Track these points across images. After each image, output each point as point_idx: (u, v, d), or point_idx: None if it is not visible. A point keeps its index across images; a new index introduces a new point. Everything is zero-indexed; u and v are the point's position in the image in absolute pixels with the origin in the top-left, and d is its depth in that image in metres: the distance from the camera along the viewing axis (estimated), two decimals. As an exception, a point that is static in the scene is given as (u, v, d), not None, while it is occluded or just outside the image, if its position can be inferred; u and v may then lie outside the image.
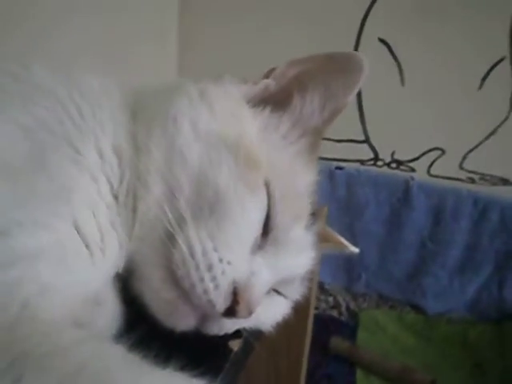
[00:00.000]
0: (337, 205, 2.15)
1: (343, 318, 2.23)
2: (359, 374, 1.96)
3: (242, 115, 0.64)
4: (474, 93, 1.93)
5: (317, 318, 2.21)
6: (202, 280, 0.54)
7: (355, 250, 0.90)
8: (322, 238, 0.76)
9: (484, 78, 1.91)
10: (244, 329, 0.64)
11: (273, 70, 0.69)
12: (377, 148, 2.13)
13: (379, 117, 2.07)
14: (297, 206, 0.64)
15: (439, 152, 2.05)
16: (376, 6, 1.96)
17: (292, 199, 0.63)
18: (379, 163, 2.14)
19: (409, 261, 2.14)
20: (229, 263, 0.56)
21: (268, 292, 0.64)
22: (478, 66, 1.90)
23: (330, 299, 2.25)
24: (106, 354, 0.43)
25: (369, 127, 2.10)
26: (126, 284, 0.58)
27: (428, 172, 2.09)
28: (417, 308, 2.16)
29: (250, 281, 0.57)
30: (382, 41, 1.99)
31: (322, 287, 2.25)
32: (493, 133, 1.95)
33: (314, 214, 0.68)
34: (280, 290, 0.68)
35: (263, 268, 0.59)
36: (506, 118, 1.93)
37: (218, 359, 0.50)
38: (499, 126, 1.94)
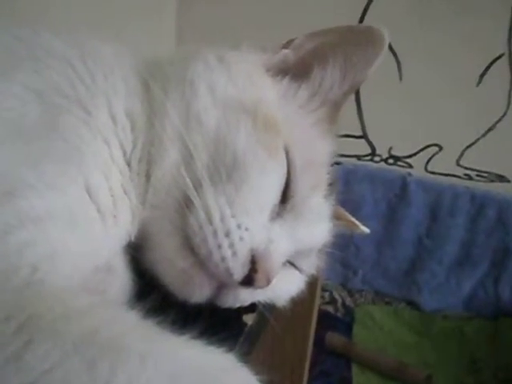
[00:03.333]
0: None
1: (339, 314, 2.23)
2: (355, 370, 1.96)
3: (260, 82, 0.63)
4: (472, 89, 1.93)
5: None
6: (219, 247, 0.52)
7: (366, 230, 0.88)
8: (339, 218, 0.74)
9: (482, 75, 1.91)
10: (259, 302, 0.62)
11: (291, 40, 0.68)
12: (374, 143, 2.13)
13: (377, 112, 2.07)
14: (316, 174, 0.63)
15: (436, 148, 2.05)
16: (375, 1, 1.95)
17: (311, 167, 0.62)
18: (376, 159, 2.14)
19: (405, 257, 2.14)
20: (247, 230, 0.54)
21: (284, 264, 0.62)
22: (477, 63, 1.91)
23: (326, 295, 2.24)
24: (119, 319, 0.42)
25: (366, 122, 2.10)
26: (137, 256, 0.56)
27: (425, 168, 2.09)
28: (413, 304, 2.16)
29: (269, 249, 0.55)
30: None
31: (318, 283, 2.25)
32: (490, 129, 1.96)
33: (332, 185, 0.66)
34: (296, 262, 0.65)
35: (282, 236, 0.57)
36: (504, 115, 1.93)
37: (231, 333, 0.48)
38: (497, 123, 1.95)
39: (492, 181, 2.02)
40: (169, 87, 0.59)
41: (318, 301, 1.14)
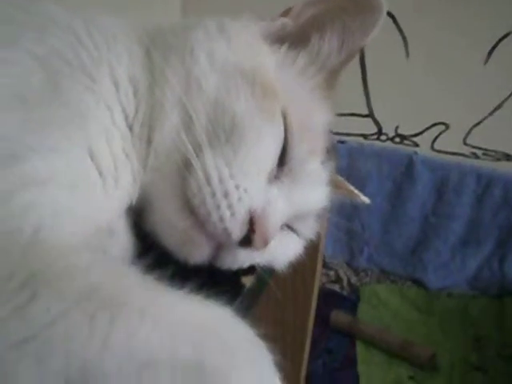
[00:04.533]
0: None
1: (345, 293, 2.24)
2: (360, 347, 1.97)
3: (259, 49, 0.64)
4: (479, 67, 1.91)
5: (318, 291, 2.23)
6: (218, 207, 0.54)
7: (366, 200, 0.90)
8: (334, 185, 0.75)
9: (490, 53, 1.89)
10: (257, 265, 0.64)
11: (290, 9, 0.68)
12: (380, 122, 2.12)
13: (383, 91, 2.06)
14: (313, 139, 0.64)
15: (443, 127, 2.03)
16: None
17: (308, 132, 0.63)
18: (383, 138, 2.13)
19: (411, 235, 2.14)
20: (245, 191, 0.55)
21: (282, 227, 0.63)
22: (484, 40, 1.89)
23: (332, 273, 2.25)
24: (120, 276, 0.44)
25: (373, 101, 2.09)
26: (139, 221, 0.57)
27: (432, 147, 2.08)
28: (418, 283, 2.17)
29: (266, 210, 0.56)
30: (387, 13, 1.95)
31: (323, 261, 2.26)
32: (498, 108, 1.94)
33: (329, 151, 0.67)
34: (294, 226, 0.67)
35: (279, 198, 0.59)
36: (512, 93, 1.91)
37: (229, 293, 0.48)
38: (504, 101, 1.93)
39: (498, 159, 2.01)
40: (170, 55, 0.60)
41: (319, 271, 1.14)
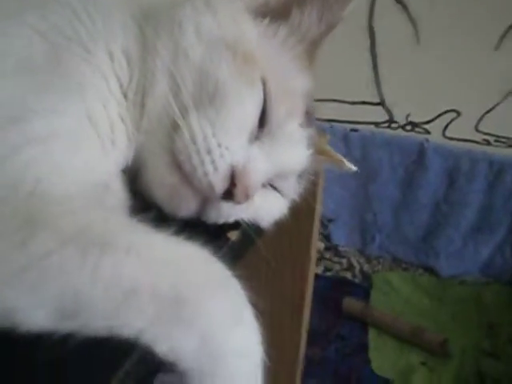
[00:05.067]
0: (351, 167, 2.16)
1: (357, 280, 2.25)
2: (372, 334, 1.99)
3: (242, 21, 0.69)
4: (490, 53, 1.91)
5: (330, 279, 2.25)
6: (202, 163, 0.59)
7: (353, 168, 0.93)
8: (322, 153, 0.85)
9: (501, 38, 1.88)
10: (243, 221, 0.68)
11: None
12: (392, 110, 2.11)
13: (394, 78, 2.06)
14: (291, 103, 0.69)
15: (454, 114, 2.03)
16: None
17: (287, 97, 0.68)
18: (394, 125, 2.13)
19: (423, 223, 2.14)
20: (227, 148, 0.61)
21: (265, 186, 0.69)
22: (496, 26, 1.88)
23: (344, 261, 2.27)
24: (111, 219, 0.51)
25: (384, 89, 2.09)
26: (133, 183, 0.63)
27: (443, 134, 2.08)
28: (430, 270, 2.17)
29: (247, 166, 0.61)
30: (398, 1, 1.96)
31: (335, 249, 2.27)
32: (509, 94, 1.93)
33: (310, 117, 0.72)
34: (276, 185, 0.72)
35: (259, 156, 0.64)
36: (524, 79, 1.90)
37: (214, 244, 0.52)
38: (516, 87, 1.92)
39: (510, 146, 2.00)
40: (160, 29, 0.65)
41: (316, 236, 1.16)
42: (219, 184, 0.59)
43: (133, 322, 0.43)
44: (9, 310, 0.41)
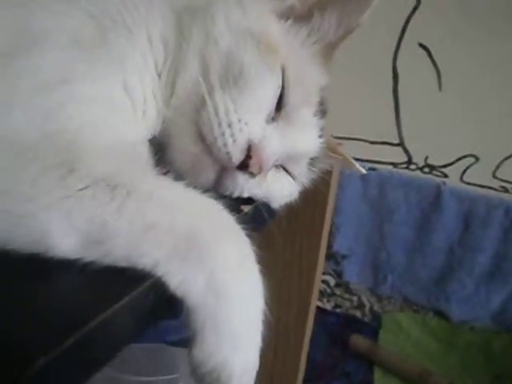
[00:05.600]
0: (368, 205, 2.18)
1: (366, 319, 2.24)
2: (377, 373, 1.97)
3: (267, 19, 0.78)
4: (510, 101, 1.93)
5: (339, 316, 2.25)
6: (222, 134, 0.66)
7: (363, 170, 0.99)
8: (335, 152, 0.92)
9: (522, 87, 1.91)
10: (256, 198, 0.75)
11: None
12: (411, 152, 2.14)
13: (415, 121, 2.09)
14: (306, 92, 0.77)
15: (473, 159, 2.05)
16: (418, 11, 1.98)
17: (303, 87, 0.76)
18: (412, 167, 2.15)
19: (436, 266, 2.13)
20: (246, 124, 0.68)
21: (278, 168, 0.78)
22: (516, 75, 1.91)
23: (355, 299, 2.26)
24: (140, 168, 0.59)
25: (404, 131, 2.12)
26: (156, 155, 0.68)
27: (461, 179, 2.09)
28: (441, 314, 2.15)
29: (263, 141, 0.69)
30: (422, 46, 2.01)
31: (347, 286, 2.27)
32: (529, 142, 1.95)
33: (323, 109, 0.79)
34: (288, 168, 0.79)
35: (274, 135, 0.71)
36: (544, 127, 1.92)
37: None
38: (535, 136, 1.94)
39: (528, 194, 2.00)
40: (196, 19, 0.74)
41: (326, 230, 1.19)
42: (237, 154, 0.66)
43: (151, 253, 0.48)
44: (44, 234, 0.47)
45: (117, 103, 0.63)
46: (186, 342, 0.52)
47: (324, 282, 2.27)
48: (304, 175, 0.83)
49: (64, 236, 0.47)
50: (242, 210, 0.68)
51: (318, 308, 2.16)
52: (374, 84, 2.11)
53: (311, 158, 0.81)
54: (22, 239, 0.47)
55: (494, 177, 2.04)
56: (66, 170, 0.49)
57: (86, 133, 0.55)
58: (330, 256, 2.23)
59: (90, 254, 0.47)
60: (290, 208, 0.84)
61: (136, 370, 1.04)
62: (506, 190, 2.03)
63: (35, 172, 0.48)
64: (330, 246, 2.20)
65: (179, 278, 0.48)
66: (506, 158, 2.00)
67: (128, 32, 0.67)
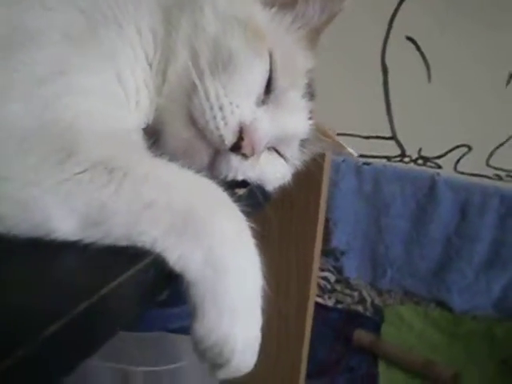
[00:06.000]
0: (364, 200, 2.19)
1: (368, 313, 2.24)
2: (382, 367, 1.98)
3: (253, 6, 0.79)
4: (501, 89, 1.95)
5: (341, 312, 2.25)
6: (214, 117, 0.68)
7: (354, 153, 1.00)
8: (326, 136, 0.94)
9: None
10: (251, 181, 0.77)
11: None
12: (404, 145, 2.15)
13: (406, 114, 2.11)
14: (294, 75, 0.79)
15: (466, 149, 2.06)
16: (404, 4, 2.00)
17: (291, 71, 0.78)
18: (406, 160, 2.17)
19: (435, 257, 2.14)
20: (237, 106, 0.69)
21: (270, 150, 0.80)
22: (505, 62, 1.93)
23: (355, 294, 2.26)
24: (136, 150, 0.60)
25: (396, 124, 2.14)
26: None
27: (455, 169, 2.10)
28: (442, 304, 2.16)
29: (254, 123, 0.70)
30: (409, 39, 2.02)
31: (347, 282, 2.27)
32: (520, 129, 1.96)
33: (311, 91, 0.82)
34: (280, 150, 0.81)
35: (265, 117, 0.73)
36: (534, 115, 1.94)
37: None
38: (526, 123, 1.95)
39: (522, 181, 2.02)
40: (184, 11, 0.76)
41: (322, 213, 1.20)
42: (229, 136, 0.68)
43: (149, 230, 0.50)
44: (45, 218, 0.49)
45: (111, 94, 0.65)
46: (188, 329, 0.53)
47: (324, 278, 2.28)
48: (296, 157, 0.85)
49: (64, 219, 0.49)
50: (236, 193, 0.68)
51: (320, 305, 2.18)
52: (364, 79, 2.12)
53: (302, 140, 0.84)
54: (25, 224, 0.49)
55: (488, 165, 2.05)
56: (64, 155, 0.51)
57: (82, 121, 0.56)
58: (329, 252, 2.24)
59: (90, 236, 0.49)
60: (285, 194, 0.85)
61: (139, 361, 1.04)
62: (500, 178, 2.05)
63: (35, 158, 0.50)
64: (328, 243, 2.21)
65: (177, 254, 0.50)
66: (498, 146, 2.01)
67: (118, 26, 0.69)
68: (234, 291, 0.51)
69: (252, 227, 0.57)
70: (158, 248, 0.50)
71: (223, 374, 0.54)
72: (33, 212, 0.49)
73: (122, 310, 0.47)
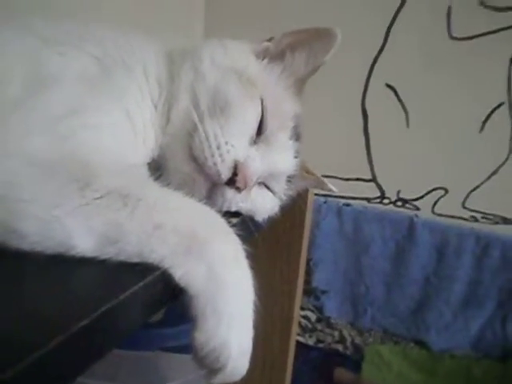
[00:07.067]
0: (344, 240, 2.23)
1: (348, 352, 2.27)
2: (362, 405, 1.99)
3: (247, 58, 0.91)
4: (475, 135, 2.03)
5: (321, 351, 2.27)
6: (212, 155, 0.77)
7: (334, 189, 1.10)
8: (308, 173, 1.07)
9: (484, 122, 2.01)
10: (242, 210, 0.85)
11: (272, 37, 0.94)
12: (383, 187, 2.22)
13: (386, 157, 2.18)
14: (282, 119, 0.88)
15: (443, 191, 2.13)
16: (383, 54, 2.09)
17: (279, 115, 0.87)
18: (385, 201, 2.23)
19: (413, 296, 2.18)
20: (232, 146, 0.78)
21: (260, 185, 0.88)
22: (479, 110, 2.01)
23: (336, 333, 2.29)
24: (145, 181, 0.69)
25: (376, 167, 2.20)
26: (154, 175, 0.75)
27: (432, 211, 2.17)
28: (421, 343, 2.19)
29: (247, 161, 0.80)
30: (389, 86, 2.11)
31: (328, 321, 2.30)
32: (494, 173, 2.04)
33: (298, 134, 0.91)
34: (269, 185, 0.91)
35: (256, 156, 0.82)
36: (506, 159, 2.01)
37: None
38: (500, 167, 2.03)
39: (497, 223, 2.08)
40: (185, 59, 0.86)
41: (305, 252, 1.25)
42: (225, 172, 0.77)
43: (158, 249, 0.57)
44: (67, 236, 0.55)
45: (121, 131, 0.73)
46: (184, 348, 0.59)
47: (305, 317, 2.30)
48: (283, 191, 0.94)
49: (83, 237, 0.56)
50: (230, 222, 0.75)
51: (301, 344, 2.20)
52: (345, 124, 2.21)
53: (289, 176, 0.92)
54: (48, 241, 0.55)
55: (464, 207, 2.12)
56: (82, 184, 0.58)
57: (97, 156, 0.63)
58: (310, 292, 2.27)
59: (106, 252, 0.56)
60: (272, 229, 0.94)
61: (134, 380, 1.06)
62: (475, 220, 2.12)
63: (57, 184, 0.57)
64: (309, 282, 2.24)
65: (183, 271, 0.57)
66: (474, 189, 2.08)
67: (127, 70, 0.78)
68: (231, 303, 0.58)
69: (246, 249, 0.64)
70: (166, 264, 0.57)
71: (219, 380, 0.60)
72: (55, 231, 0.55)
73: (130, 318, 0.53)
